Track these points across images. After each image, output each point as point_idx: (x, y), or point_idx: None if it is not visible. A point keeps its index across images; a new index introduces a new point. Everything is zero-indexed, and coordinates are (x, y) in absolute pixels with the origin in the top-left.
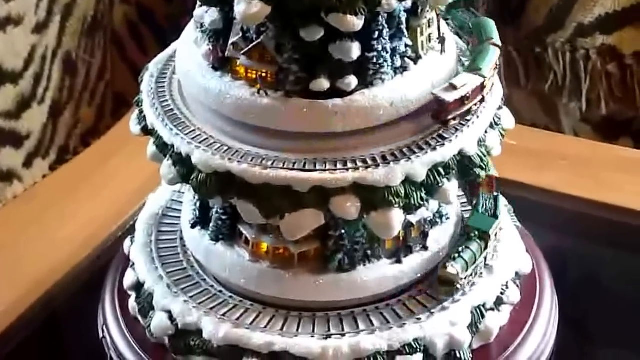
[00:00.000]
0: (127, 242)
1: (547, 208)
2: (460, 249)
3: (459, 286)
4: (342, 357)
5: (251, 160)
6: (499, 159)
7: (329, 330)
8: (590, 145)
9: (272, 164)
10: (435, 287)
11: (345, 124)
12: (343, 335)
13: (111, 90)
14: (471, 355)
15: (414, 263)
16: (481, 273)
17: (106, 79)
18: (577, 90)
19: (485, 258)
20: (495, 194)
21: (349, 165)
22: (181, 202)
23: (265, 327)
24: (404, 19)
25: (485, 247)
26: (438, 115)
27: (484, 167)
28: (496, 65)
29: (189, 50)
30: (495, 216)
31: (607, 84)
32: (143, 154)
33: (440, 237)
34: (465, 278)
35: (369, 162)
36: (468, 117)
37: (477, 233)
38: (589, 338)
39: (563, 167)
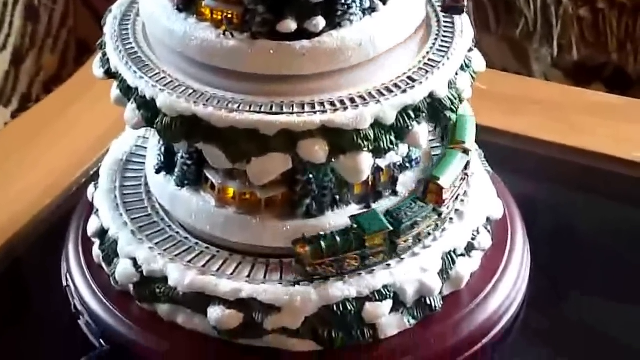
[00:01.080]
0: (90, 188)
1: (519, 153)
2: (325, 234)
3: (309, 270)
4: (310, 304)
5: (217, 104)
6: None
7: (297, 276)
8: (562, 89)
9: (239, 107)
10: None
11: (312, 66)
12: (311, 281)
13: (74, 37)
14: (442, 302)
15: (383, 208)
16: (451, 219)
17: (69, 25)
18: (549, 35)
19: (364, 258)
20: (436, 206)
21: (317, 108)
22: (145, 148)
23: (232, 274)
24: None
25: (360, 247)
26: (456, 3)
27: (455, 109)
28: None
29: None
30: (397, 223)
31: (578, 28)
32: (106, 100)
33: (409, 182)
34: (320, 265)
35: (338, 105)
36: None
37: (354, 227)
38: (561, 284)
39: (535, 112)
